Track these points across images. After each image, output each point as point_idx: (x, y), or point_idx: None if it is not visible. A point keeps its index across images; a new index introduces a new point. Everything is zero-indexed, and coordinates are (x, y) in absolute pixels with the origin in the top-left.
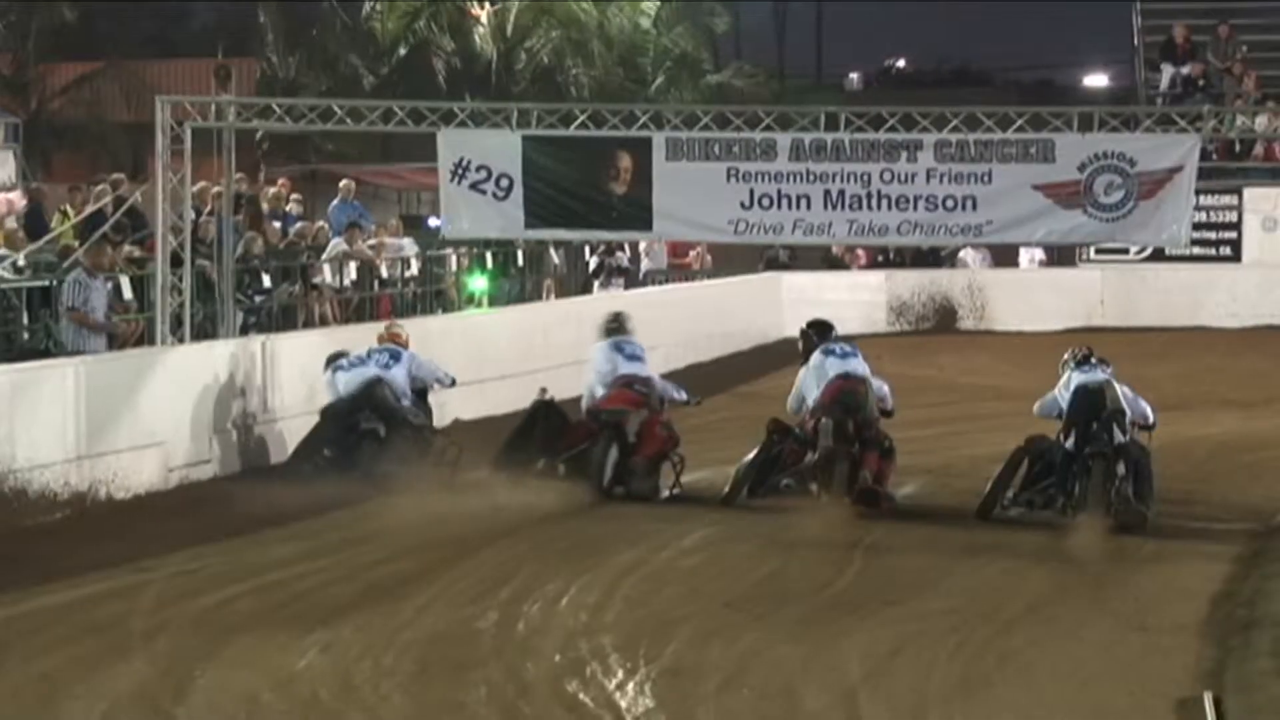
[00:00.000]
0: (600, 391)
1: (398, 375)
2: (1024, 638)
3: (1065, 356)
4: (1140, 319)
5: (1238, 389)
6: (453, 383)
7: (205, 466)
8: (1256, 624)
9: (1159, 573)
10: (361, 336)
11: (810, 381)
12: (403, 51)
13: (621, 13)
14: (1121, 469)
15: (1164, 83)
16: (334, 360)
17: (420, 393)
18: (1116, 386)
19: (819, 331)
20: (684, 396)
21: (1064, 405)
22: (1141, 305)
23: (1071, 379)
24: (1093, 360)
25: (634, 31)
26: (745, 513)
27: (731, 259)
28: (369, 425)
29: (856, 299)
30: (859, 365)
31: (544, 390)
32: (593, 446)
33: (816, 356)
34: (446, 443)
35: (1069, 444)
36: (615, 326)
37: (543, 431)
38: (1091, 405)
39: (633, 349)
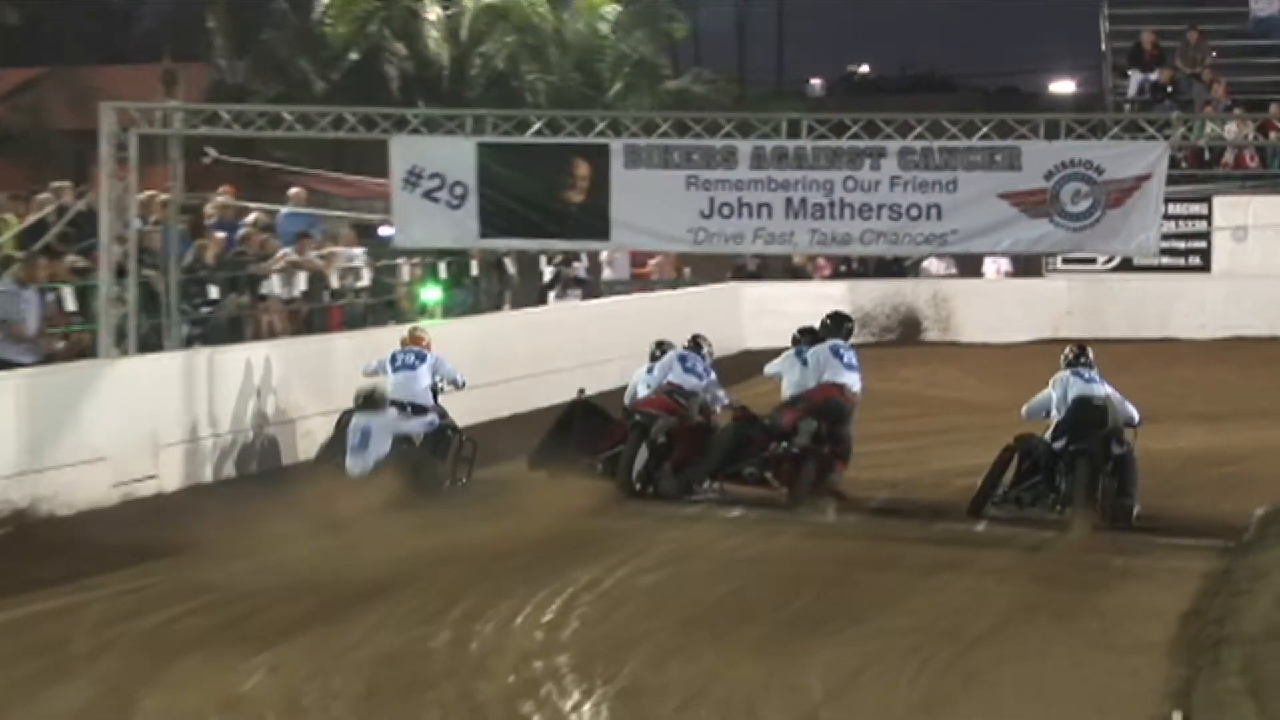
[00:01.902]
0: (642, 392)
1: (423, 376)
2: (989, 657)
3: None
4: (1108, 330)
5: (1207, 401)
6: (464, 385)
7: (150, 482)
8: (1226, 642)
9: (1127, 590)
10: (313, 349)
11: (1052, 396)
12: (354, 56)
13: (579, 17)
14: (1109, 465)
15: (1132, 89)
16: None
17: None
18: (1113, 399)
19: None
20: (726, 401)
21: (1055, 406)
22: (1109, 316)
23: (1069, 385)
24: (1084, 360)
25: (591, 36)
26: (705, 529)
27: (706, 269)
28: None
29: (819, 310)
30: None
31: (581, 390)
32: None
33: (1068, 374)
34: (463, 439)
35: (1057, 444)
36: (691, 346)
37: (581, 430)
38: (1092, 420)
39: (693, 363)
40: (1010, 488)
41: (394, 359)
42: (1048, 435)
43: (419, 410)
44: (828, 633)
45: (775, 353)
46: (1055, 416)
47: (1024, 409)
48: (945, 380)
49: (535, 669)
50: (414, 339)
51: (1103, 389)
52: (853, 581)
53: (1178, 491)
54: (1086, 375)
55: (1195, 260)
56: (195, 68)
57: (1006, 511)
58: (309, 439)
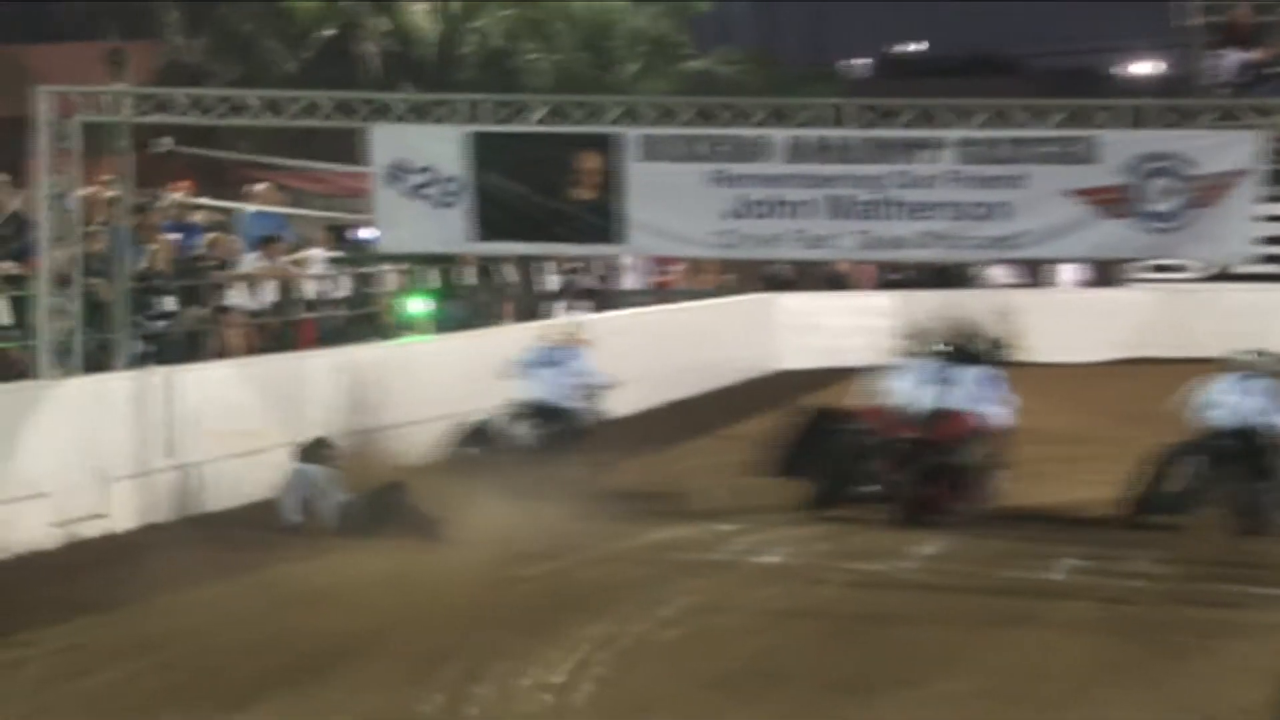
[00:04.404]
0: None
1: (560, 376)
2: None
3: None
4: (1198, 348)
5: None
6: (608, 387)
7: (99, 521)
8: None
9: (1223, 648)
10: (283, 369)
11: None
12: (328, 32)
13: None
14: (1256, 474)
15: (1225, 70)
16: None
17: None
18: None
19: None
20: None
21: (1216, 410)
22: (1199, 332)
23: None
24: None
25: (602, 10)
26: (733, 577)
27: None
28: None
29: (863, 324)
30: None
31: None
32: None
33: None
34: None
35: (1208, 447)
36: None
37: (828, 448)
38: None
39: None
40: (1158, 491)
41: (533, 357)
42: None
43: (550, 414)
44: (875, 697)
45: (813, 374)
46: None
47: (1189, 406)
48: None
49: None
50: (570, 337)
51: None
52: (905, 638)
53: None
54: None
55: None
56: (145, 46)
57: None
58: (278, 470)
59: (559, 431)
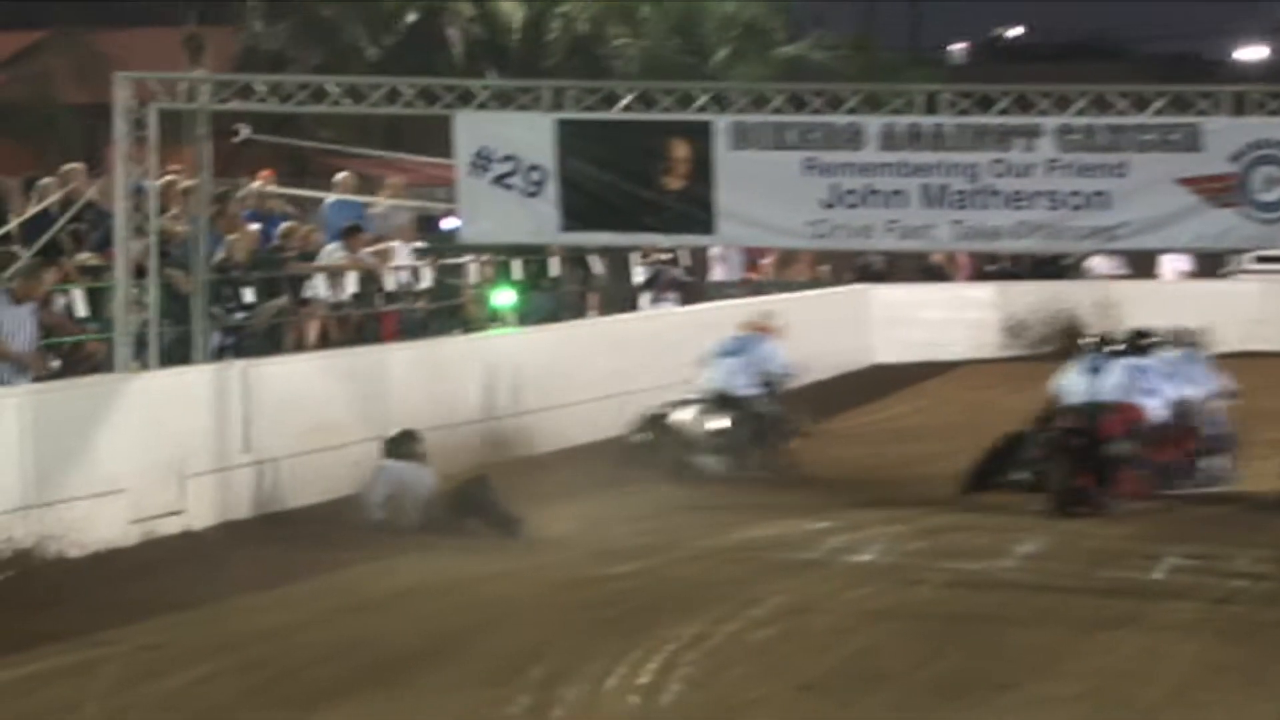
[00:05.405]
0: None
1: (744, 365)
2: None
3: None
4: None
5: None
6: (792, 376)
7: (175, 518)
8: None
9: None
10: (364, 362)
11: None
12: (412, 18)
13: None
14: None
15: None
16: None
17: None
18: None
19: None
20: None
21: None
22: None
23: None
24: None
25: None
26: (827, 576)
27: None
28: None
29: (962, 317)
30: None
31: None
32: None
33: None
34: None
35: None
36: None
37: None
38: None
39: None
40: None
41: (721, 346)
42: None
43: (729, 403)
44: (973, 701)
45: (909, 367)
46: None
47: None
48: None
49: None
50: (761, 325)
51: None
52: (1004, 640)
53: None
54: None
55: None
56: (224, 33)
57: None
58: (359, 467)
59: (738, 420)
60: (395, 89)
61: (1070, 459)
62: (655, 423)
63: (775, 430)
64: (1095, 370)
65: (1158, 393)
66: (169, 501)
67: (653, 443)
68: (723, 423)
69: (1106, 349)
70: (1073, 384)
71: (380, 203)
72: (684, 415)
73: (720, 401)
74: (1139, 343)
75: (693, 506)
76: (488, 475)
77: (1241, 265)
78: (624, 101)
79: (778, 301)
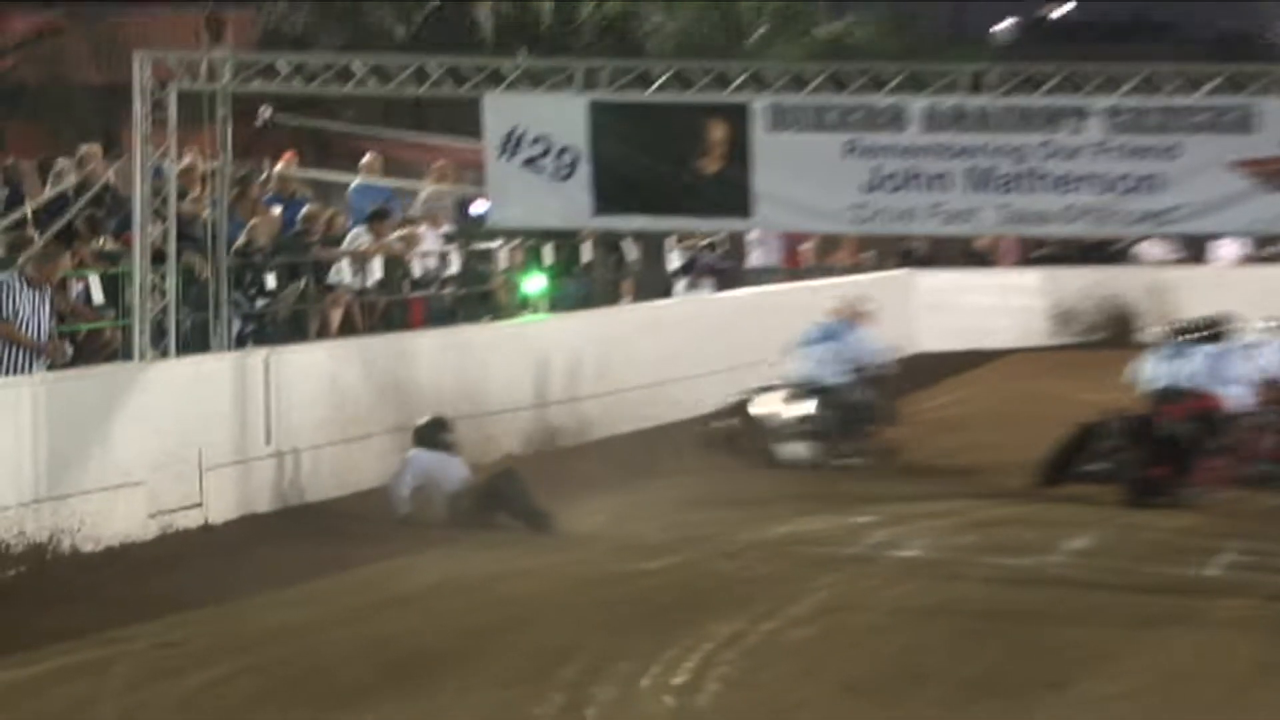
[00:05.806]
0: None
1: (831, 352)
2: None
3: None
4: None
5: None
6: (885, 364)
7: (194, 511)
8: None
9: None
10: (390, 350)
11: None
12: None
13: None
14: None
15: None
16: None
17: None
18: None
19: None
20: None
21: None
22: None
23: None
24: None
25: None
26: (868, 573)
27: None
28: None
29: (1008, 304)
30: None
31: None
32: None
33: None
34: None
35: None
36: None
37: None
38: None
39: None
40: None
41: (812, 333)
42: None
43: (819, 391)
44: (1020, 701)
45: (954, 356)
46: None
47: None
48: None
49: None
50: (853, 312)
51: None
52: (1052, 637)
53: None
54: None
55: None
56: (245, 14)
57: None
58: (384, 459)
59: (824, 406)
60: (423, 69)
61: (1143, 449)
62: (738, 409)
63: (868, 417)
64: (1174, 358)
65: (1240, 380)
66: (187, 494)
67: (735, 429)
68: (807, 409)
69: (1183, 337)
70: (1151, 372)
71: (426, 187)
72: (768, 402)
73: (807, 389)
74: (1217, 329)
75: (731, 500)
76: (515, 468)
77: None
78: (659, 82)
79: (818, 287)
